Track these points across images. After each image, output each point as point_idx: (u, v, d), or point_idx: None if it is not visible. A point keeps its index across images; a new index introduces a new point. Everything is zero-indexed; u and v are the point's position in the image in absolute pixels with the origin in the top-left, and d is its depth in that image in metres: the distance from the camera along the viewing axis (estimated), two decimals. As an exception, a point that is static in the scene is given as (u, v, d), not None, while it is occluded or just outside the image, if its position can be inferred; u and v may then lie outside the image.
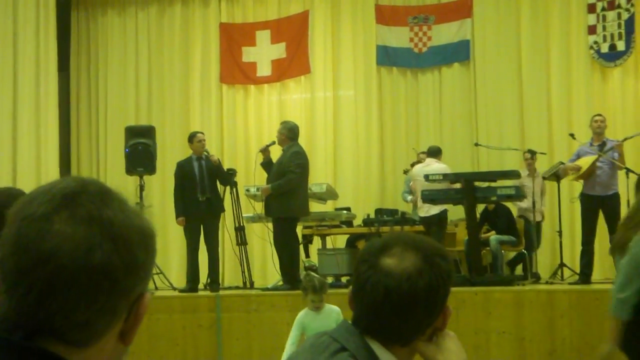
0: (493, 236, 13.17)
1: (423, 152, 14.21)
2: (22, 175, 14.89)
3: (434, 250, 2.30)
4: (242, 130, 16.51)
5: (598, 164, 11.68)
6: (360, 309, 2.31)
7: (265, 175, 12.35)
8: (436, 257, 2.29)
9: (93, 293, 1.36)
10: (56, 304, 1.35)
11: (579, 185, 12.14)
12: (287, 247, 11.75)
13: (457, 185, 12.13)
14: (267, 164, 12.29)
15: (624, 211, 11.85)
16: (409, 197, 14.26)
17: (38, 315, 1.35)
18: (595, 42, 14.76)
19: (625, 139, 11.98)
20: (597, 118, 12.13)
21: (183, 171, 12.55)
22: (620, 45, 14.62)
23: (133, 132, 13.61)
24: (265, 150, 12.40)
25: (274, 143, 12.36)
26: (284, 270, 11.84)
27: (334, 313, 8.07)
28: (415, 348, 2.32)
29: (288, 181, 11.65)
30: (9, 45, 15.20)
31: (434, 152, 13.40)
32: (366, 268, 2.28)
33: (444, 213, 12.76)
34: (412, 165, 14.04)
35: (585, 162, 11.78)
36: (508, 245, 13.45)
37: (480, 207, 13.33)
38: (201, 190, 12.37)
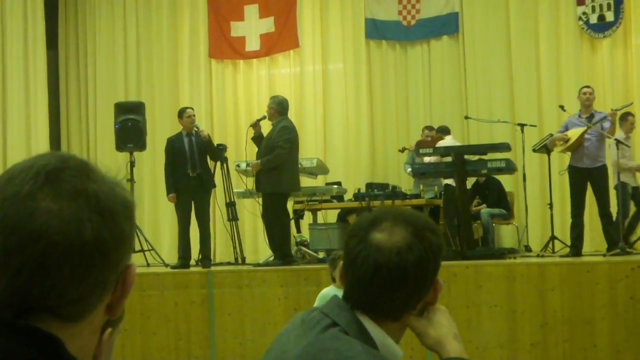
0: (484, 209, 13.19)
1: (428, 128, 14.24)
2: (12, 153, 14.90)
3: (423, 225, 2.30)
4: (231, 105, 16.51)
5: (586, 136, 11.66)
6: (351, 284, 2.31)
7: (256, 150, 12.33)
8: (426, 231, 2.29)
9: (85, 268, 1.36)
10: (49, 282, 1.34)
11: (568, 158, 12.14)
12: (278, 222, 11.75)
13: (448, 159, 12.13)
14: (258, 139, 12.27)
15: (611, 183, 11.90)
16: (409, 169, 14.28)
17: (31, 293, 1.35)
18: (584, 13, 14.74)
19: (618, 109, 11.96)
20: (585, 90, 12.09)
21: (173, 147, 12.53)
22: (609, 16, 14.61)
23: (122, 109, 13.58)
24: (255, 125, 12.38)
25: (264, 117, 12.33)
26: (275, 245, 11.84)
27: None
28: (406, 322, 2.32)
29: (277, 156, 11.62)
30: (-4, 24, 15.16)
31: (447, 130, 13.64)
32: (356, 243, 2.29)
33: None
34: (417, 144, 13.94)
35: (574, 134, 11.77)
36: (499, 219, 13.47)
37: (470, 181, 13.36)
38: (192, 166, 12.36)
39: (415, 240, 2.25)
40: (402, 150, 14.48)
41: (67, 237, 1.34)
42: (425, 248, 2.26)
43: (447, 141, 13.20)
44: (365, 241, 2.27)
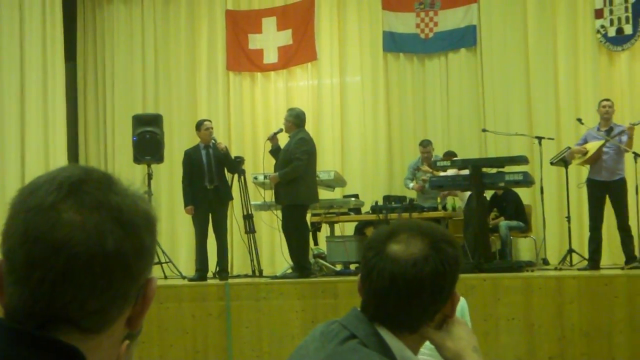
0: (502, 222, 13.15)
1: (422, 144, 14.35)
2: (30, 165, 14.93)
3: (440, 236, 2.31)
4: (249, 117, 16.51)
5: (605, 149, 11.64)
6: (368, 296, 2.32)
7: (273, 163, 12.34)
8: (443, 243, 2.29)
9: (107, 280, 1.37)
10: (71, 293, 1.35)
11: (586, 171, 12.11)
12: (296, 234, 11.75)
13: (465, 172, 12.11)
14: (275, 152, 12.27)
15: (631, 196, 11.86)
16: (411, 184, 14.30)
17: (53, 304, 1.35)
18: (602, 26, 14.70)
19: (632, 125, 11.91)
20: (604, 103, 12.08)
21: (191, 159, 12.55)
22: (628, 29, 14.56)
23: (140, 121, 13.61)
24: (273, 138, 12.39)
25: (281, 130, 12.34)
26: (293, 258, 11.85)
27: (461, 302, 7.44)
28: (424, 335, 2.32)
29: (294, 168, 11.63)
30: (16, 36, 15.23)
31: (454, 155, 13.85)
32: (373, 254, 2.30)
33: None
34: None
35: (592, 147, 11.75)
36: (517, 231, 13.43)
37: (488, 194, 13.34)
38: (209, 178, 12.38)
39: (432, 251, 2.26)
40: (417, 170, 14.41)
41: (89, 249, 1.34)
42: (442, 260, 2.26)
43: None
44: (382, 253, 2.28)
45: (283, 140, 12.34)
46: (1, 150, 14.86)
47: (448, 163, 12.62)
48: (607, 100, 12.21)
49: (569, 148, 12.47)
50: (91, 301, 1.36)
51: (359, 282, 2.37)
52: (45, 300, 1.35)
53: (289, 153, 11.78)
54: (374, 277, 2.28)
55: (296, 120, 12.00)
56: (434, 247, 2.27)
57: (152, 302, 1.47)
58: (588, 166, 11.92)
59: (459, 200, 13.62)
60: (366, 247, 2.35)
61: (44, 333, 1.34)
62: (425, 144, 14.34)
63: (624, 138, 11.63)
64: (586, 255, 12.03)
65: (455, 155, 13.79)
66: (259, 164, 13.30)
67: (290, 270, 12.07)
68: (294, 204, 11.74)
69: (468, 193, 12.94)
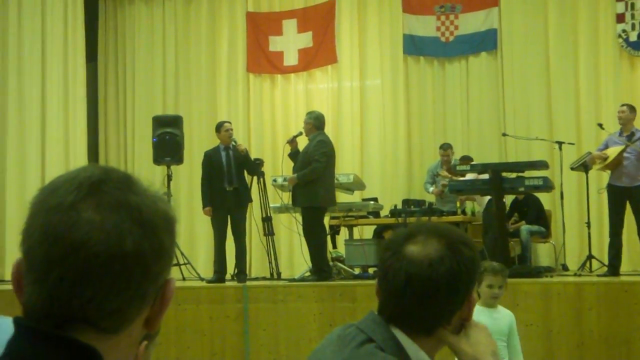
0: (524, 226, 13.10)
1: (443, 147, 14.34)
2: (50, 165, 14.97)
3: (457, 238, 2.31)
4: (269, 119, 16.53)
5: (625, 154, 11.61)
6: (384, 297, 2.32)
7: (292, 166, 12.35)
8: (459, 244, 2.29)
9: (126, 280, 1.37)
10: (90, 292, 1.35)
11: (607, 176, 12.08)
12: (313, 237, 11.75)
13: (485, 176, 12.09)
14: (294, 155, 12.29)
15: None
16: (431, 189, 14.29)
17: (71, 304, 1.35)
18: (624, 31, 14.64)
19: None
20: (620, 109, 12.10)
21: (210, 161, 12.58)
22: (649, 34, 14.53)
23: (160, 122, 13.66)
24: (292, 142, 12.41)
25: (301, 134, 12.36)
26: (311, 260, 11.86)
27: (507, 316, 6.83)
28: (442, 339, 2.32)
29: (313, 170, 11.64)
30: (38, 36, 15.28)
31: (471, 159, 13.82)
32: (390, 255, 2.30)
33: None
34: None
35: (612, 152, 11.72)
36: (538, 236, 13.38)
37: (509, 198, 13.31)
38: (228, 180, 12.40)
39: (448, 252, 2.26)
40: (437, 176, 14.39)
41: (108, 248, 1.34)
42: (458, 261, 2.26)
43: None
44: (398, 253, 2.28)
45: (302, 144, 12.35)
46: (22, 150, 14.92)
47: (467, 167, 12.60)
48: (623, 105, 12.19)
49: (590, 153, 12.43)
50: (109, 301, 1.36)
51: (376, 284, 2.37)
52: (63, 299, 1.35)
53: (308, 155, 11.80)
54: (390, 277, 2.28)
55: (316, 122, 12.02)
56: (451, 248, 2.27)
57: (170, 303, 1.47)
58: (609, 172, 11.89)
59: (477, 205, 13.58)
60: (384, 248, 2.36)
61: (62, 332, 1.35)
62: (446, 147, 14.33)
63: None
64: (606, 261, 11.99)
65: (472, 160, 13.76)
66: (278, 167, 13.33)
67: (308, 273, 12.07)
68: (311, 206, 11.75)
69: (487, 198, 12.92)
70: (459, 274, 2.26)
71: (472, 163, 12.96)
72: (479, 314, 6.32)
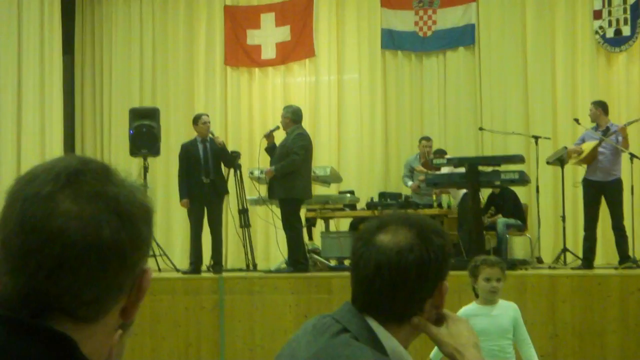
0: (501, 219, 13.15)
1: (425, 139, 14.40)
2: (26, 156, 14.92)
3: (428, 227, 2.33)
4: (246, 112, 16.50)
5: (600, 149, 11.68)
6: (355, 286, 2.34)
7: (269, 160, 12.35)
8: (430, 233, 2.31)
9: (102, 269, 1.38)
10: (66, 282, 1.36)
11: (583, 170, 12.15)
12: (290, 228, 11.77)
13: (461, 170, 12.12)
14: (271, 149, 12.30)
15: (626, 197, 11.89)
16: (409, 183, 14.32)
17: (48, 293, 1.36)
18: (601, 27, 14.72)
19: (628, 123, 11.97)
20: (590, 107, 12.22)
21: (188, 153, 12.56)
22: (626, 31, 14.58)
23: (137, 114, 13.62)
24: (269, 136, 12.41)
25: (278, 128, 12.38)
26: (287, 252, 11.88)
27: (510, 310, 6.53)
28: (423, 330, 2.33)
29: (291, 162, 11.66)
30: (14, 28, 15.21)
31: (444, 152, 13.85)
32: (361, 245, 2.32)
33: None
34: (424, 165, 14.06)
35: (587, 147, 11.80)
36: (514, 229, 13.43)
37: (486, 192, 13.36)
38: (205, 172, 12.39)
39: (418, 240, 2.28)
40: (411, 175, 14.42)
41: (85, 238, 1.35)
42: (427, 248, 2.27)
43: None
44: (369, 243, 2.30)
45: (279, 138, 12.35)
46: (-3, 142, 14.87)
47: (444, 161, 12.64)
48: (592, 103, 12.31)
49: (566, 148, 12.50)
50: (86, 290, 1.37)
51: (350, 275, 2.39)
52: (40, 289, 1.35)
53: (286, 148, 11.82)
54: (360, 266, 2.30)
55: (293, 116, 12.05)
56: (420, 236, 2.29)
57: (146, 293, 1.48)
58: (585, 166, 11.95)
59: (452, 198, 13.62)
60: (356, 238, 2.38)
61: (38, 321, 1.35)
62: (428, 139, 14.38)
63: (619, 138, 11.68)
64: (580, 255, 12.07)
65: (446, 153, 13.80)
66: (255, 159, 13.31)
67: (284, 265, 12.08)
68: (288, 198, 11.77)
69: (462, 191, 12.96)
70: (428, 262, 2.27)
71: (449, 157, 12.98)
72: (476, 315, 6.30)
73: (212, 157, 12.49)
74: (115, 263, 1.39)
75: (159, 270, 13.06)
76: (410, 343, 2.35)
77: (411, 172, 14.41)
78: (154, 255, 12.78)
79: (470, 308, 6.55)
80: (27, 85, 15.29)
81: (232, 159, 12.94)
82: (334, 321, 2.29)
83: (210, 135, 12.66)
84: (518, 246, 14.27)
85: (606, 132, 11.81)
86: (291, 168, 11.66)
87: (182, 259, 14.24)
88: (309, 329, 2.35)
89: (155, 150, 13.43)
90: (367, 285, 2.28)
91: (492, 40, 15.43)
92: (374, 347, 2.23)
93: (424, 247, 2.27)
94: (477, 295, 6.54)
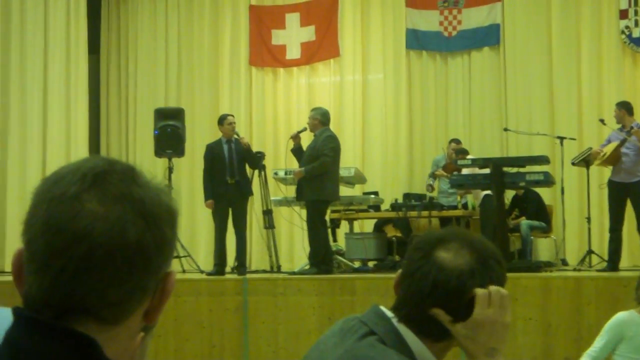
0: (524, 221, 13.10)
1: (454, 141, 14.32)
2: (51, 157, 14.99)
3: (490, 253, 2.30)
4: (270, 113, 16.52)
5: (624, 150, 11.61)
6: (405, 297, 2.30)
7: (294, 159, 12.36)
8: (491, 261, 2.28)
9: (127, 271, 1.37)
10: (91, 283, 1.35)
11: (608, 172, 12.09)
12: (315, 230, 11.77)
13: (486, 171, 12.09)
14: (297, 151, 12.29)
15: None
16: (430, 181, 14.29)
17: (72, 294, 1.36)
18: (627, 27, 14.64)
19: (638, 127, 11.88)
20: (614, 109, 12.17)
21: (212, 154, 12.57)
22: (652, 30, 14.52)
23: (162, 114, 13.65)
24: (296, 137, 12.40)
25: (305, 129, 12.38)
26: (312, 253, 11.87)
27: None
28: (451, 344, 2.31)
29: (322, 164, 11.66)
30: (40, 28, 15.29)
31: (466, 151, 13.74)
32: (419, 257, 2.28)
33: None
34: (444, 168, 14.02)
35: (610, 147, 11.75)
36: (538, 231, 13.39)
37: (509, 194, 13.32)
38: (230, 173, 12.39)
39: (479, 266, 2.25)
40: (433, 177, 14.37)
41: (110, 239, 1.35)
42: (490, 277, 2.25)
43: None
44: (428, 256, 2.26)
45: (305, 140, 12.36)
46: (23, 142, 14.93)
47: (468, 161, 12.60)
48: (616, 104, 12.25)
49: (591, 149, 12.45)
50: (110, 292, 1.36)
51: (397, 278, 2.36)
52: (64, 290, 1.35)
53: (315, 150, 11.81)
54: (415, 279, 2.26)
55: (322, 118, 12.05)
56: (482, 262, 2.26)
57: (170, 295, 1.47)
58: (611, 167, 11.90)
59: (474, 199, 13.58)
60: (414, 247, 2.33)
61: (61, 323, 1.35)
62: (458, 142, 14.33)
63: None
64: (605, 257, 12.01)
65: (468, 153, 13.75)
66: (280, 160, 13.33)
67: (308, 267, 12.08)
68: (317, 200, 11.77)
69: (483, 193, 12.93)
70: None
71: (474, 157, 12.94)
72: (632, 321, 6.17)
73: (237, 158, 12.49)
74: (139, 265, 1.38)
75: (183, 271, 13.10)
76: (442, 358, 2.33)
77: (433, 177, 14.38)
78: (179, 257, 12.81)
79: (627, 316, 6.41)
80: (52, 84, 15.37)
81: (257, 160, 12.94)
82: (362, 324, 2.28)
83: (236, 136, 12.67)
84: (543, 248, 14.22)
85: (630, 132, 11.75)
86: (321, 170, 11.66)
87: (206, 260, 14.26)
88: (336, 331, 2.35)
89: (180, 151, 13.46)
90: (419, 300, 2.25)
91: (517, 40, 15.38)
92: (401, 350, 2.21)
93: (485, 274, 2.25)
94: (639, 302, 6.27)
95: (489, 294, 2.24)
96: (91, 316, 1.37)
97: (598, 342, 6.40)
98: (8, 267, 13.83)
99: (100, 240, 1.34)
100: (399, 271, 2.35)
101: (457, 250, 2.25)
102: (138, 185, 1.41)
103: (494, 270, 2.26)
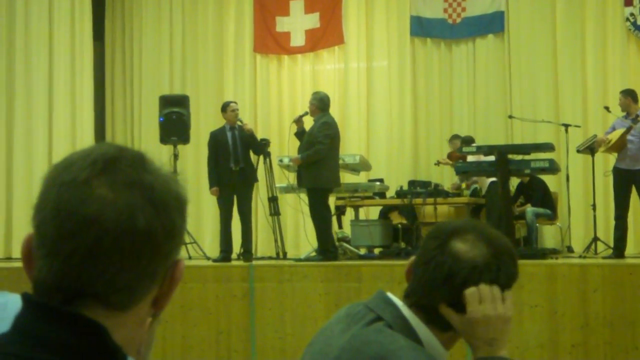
0: (529, 208, 13.10)
1: (456, 137, 14.32)
2: (57, 143, 15.02)
3: (505, 249, 2.32)
4: (275, 100, 16.52)
5: (630, 137, 11.60)
6: (418, 284, 2.31)
7: (298, 144, 12.35)
8: (506, 256, 2.30)
9: (136, 257, 1.38)
10: (99, 268, 1.36)
11: (613, 159, 12.07)
12: (319, 217, 11.76)
13: (491, 158, 12.08)
14: (300, 134, 12.28)
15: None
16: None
17: (81, 279, 1.37)
18: (632, 14, 14.61)
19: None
20: (619, 97, 12.14)
21: (216, 141, 12.57)
22: (657, 18, 14.49)
23: (167, 101, 13.66)
24: (299, 121, 12.39)
25: (307, 113, 12.34)
26: (317, 240, 11.87)
27: None
28: (458, 336, 2.32)
29: (316, 151, 11.63)
30: (45, 15, 15.29)
31: (473, 140, 13.77)
32: (435, 245, 2.30)
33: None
34: (449, 157, 14.05)
35: (615, 134, 11.73)
36: (544, 218, 13.38)
37: (514, 182, 13.31)
38: (234, 160, 12.39)
39: (494, 261, 2.27)
40: (437, 164, 14.40)
41: (119, 225, 1.36)
42: (504, 272, 2.28)
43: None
44: (444, 246, 2.28)
45: (308, 124, 12.35)
46: (29, 128, 14.96)
47: (473, 149, 12.60)
48: (621, 92, 12.23)
49: (596, 136, 12.44)
50: (119, 278, 1.37)
51: (409, 264, 2.37)
52: (73, 274, 1.36)
53: (312, 136, 11.80)
54: (430, 267, 2.28)
55: (320, 104, 12.00)
56: (498, 257, 2.28)
57: (178, 283, 1.48)
58: (615, 154, 11.88)
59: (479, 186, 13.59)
60: (430, 235, 2.35)
61: (70, 308, 1.36)
62: (458, 137, 14.31)
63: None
64: (611, 244, 12.00)
65: (474, 141, 13.75)
66: (285, 146, 13.34)
67: (314, 254, 12.08)
68: (315, 187, 11.76)
69: (489, 180, 12.93)
70: (497, 285, 2.28)
71: (478, 145, 12.95)
72: None
73: (241, 145, 12.49)
74: (148, 251, 1.39)
75: (190, 258, 13.14)
76: (450, 347, 2.34)
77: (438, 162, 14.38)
78: (185, 244, 12.82)
79: None
80: (58, 71, 15.38)
81: (262, 147, 12.94)
82: (368, 309, 2.30)
83: (239, 123, 12.67)
84: (548, 235, 14.24)
85: (636, 119, 11.74)
86: (316, 157, 11.63)
87: (212, 247, 14.26)
88: (342, 317, 2.36)
89: (185, 138, 13.47)
90: (431, 290, 2.27)
91: (522, 28, 15.36)
92: (407, 335, 2.23)
93: (498, 270, 2.27)
94: None
95: (478, 291, 2.26)
96: (100, 302, 1.38)
97: None
98: (15, 254, 13.88)
99: (109, 225, 1.35)
100: (412, 258, 2.35)
101: (473, 242, 2.27)
102: (148, 172, 1.42)
103: (507, 267, 2.29)
